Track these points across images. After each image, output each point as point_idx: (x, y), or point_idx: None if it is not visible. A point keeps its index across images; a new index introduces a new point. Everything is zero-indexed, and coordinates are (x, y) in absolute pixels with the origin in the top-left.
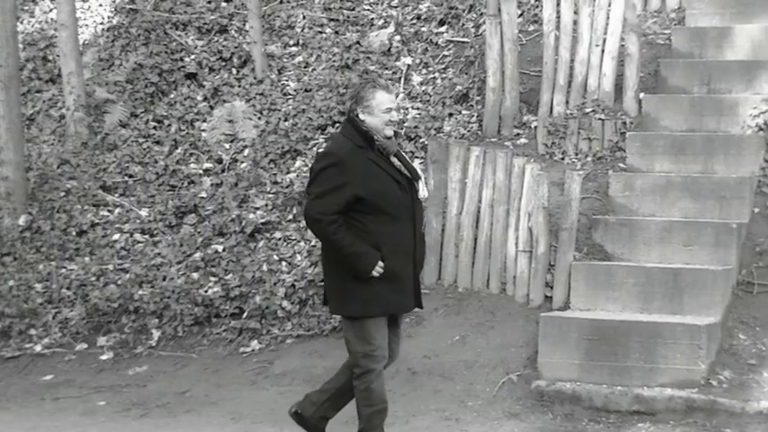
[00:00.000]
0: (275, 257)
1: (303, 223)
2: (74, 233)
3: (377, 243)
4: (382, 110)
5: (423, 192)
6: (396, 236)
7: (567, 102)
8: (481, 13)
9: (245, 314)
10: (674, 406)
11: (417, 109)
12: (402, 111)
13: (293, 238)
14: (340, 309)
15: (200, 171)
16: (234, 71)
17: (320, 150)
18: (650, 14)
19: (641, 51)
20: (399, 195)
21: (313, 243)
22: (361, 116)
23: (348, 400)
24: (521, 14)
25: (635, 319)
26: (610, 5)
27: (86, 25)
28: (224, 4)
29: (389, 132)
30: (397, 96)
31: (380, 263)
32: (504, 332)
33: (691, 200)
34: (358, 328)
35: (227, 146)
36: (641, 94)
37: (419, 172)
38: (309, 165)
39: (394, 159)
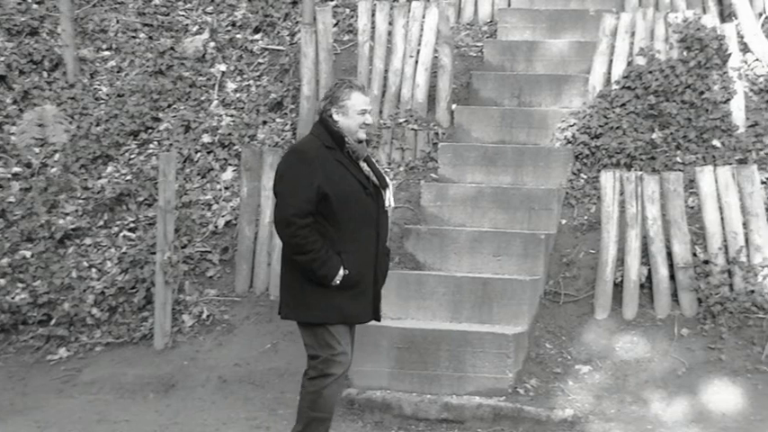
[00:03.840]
0: (85, 264)
1: (114, 229)
2: None
3: (338, 249)
4: (357, 111)
5: (389, 201)
6: (358, 243)
7: (381, 111)
8: (296, 22)
9: (53, 321)
10: (481, 414)
11: (231, 116)
12: (216, 118)
13: (104, 244)
14: (298, 315)
15: (9, 175)
16: (45, 74)
17: (287, 148)
18: (463, 27)
19: (454, 63)
20: (365, 201)
21: (123, 250)
22: (335, 117)
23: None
24: (336, 24)
25: (445, 328)
26: (424, 17)
27: None
28: (35, 6)
29: (362, 135)
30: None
31: (340, 272)
32: None
33: (501, 211)
34: (319, 335)
35: (36, 150)
36: (453, 106)
37: (388, 180)
38: (121, 171)
39: (363, 164)
